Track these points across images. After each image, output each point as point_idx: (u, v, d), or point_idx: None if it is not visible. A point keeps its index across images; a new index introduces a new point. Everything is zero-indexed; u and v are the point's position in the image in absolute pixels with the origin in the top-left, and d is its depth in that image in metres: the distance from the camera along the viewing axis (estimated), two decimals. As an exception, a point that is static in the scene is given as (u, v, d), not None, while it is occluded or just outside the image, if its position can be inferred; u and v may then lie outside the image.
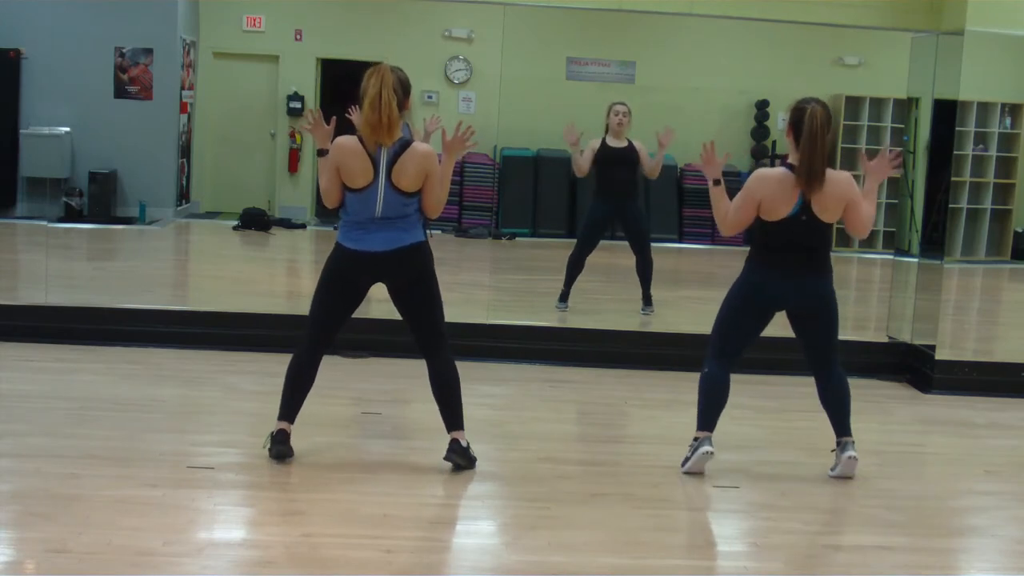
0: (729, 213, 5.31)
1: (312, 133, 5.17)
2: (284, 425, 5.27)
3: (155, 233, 13.62)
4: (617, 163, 8.92)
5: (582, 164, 8.98)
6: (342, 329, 5.32)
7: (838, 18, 13.24)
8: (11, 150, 13.70)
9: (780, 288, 5.29)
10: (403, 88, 5.05)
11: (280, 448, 5.23)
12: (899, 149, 5.18)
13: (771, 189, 5.23)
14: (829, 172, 5.21)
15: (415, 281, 5.17)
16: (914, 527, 5.05)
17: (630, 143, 8.97)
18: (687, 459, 5.47)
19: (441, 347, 5.25)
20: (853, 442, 5.47)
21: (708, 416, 5.44)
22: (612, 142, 8.97)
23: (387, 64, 5.06)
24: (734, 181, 14.59)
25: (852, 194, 5.28)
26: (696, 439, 5.45)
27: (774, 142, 15.01)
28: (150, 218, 13.91)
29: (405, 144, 5.07)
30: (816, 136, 5.12)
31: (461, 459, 5.27)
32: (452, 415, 5.30)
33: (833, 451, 5.53)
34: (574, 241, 9.37)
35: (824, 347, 5.44)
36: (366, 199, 5.06)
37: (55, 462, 5.14)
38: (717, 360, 5.44)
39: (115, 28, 14.13)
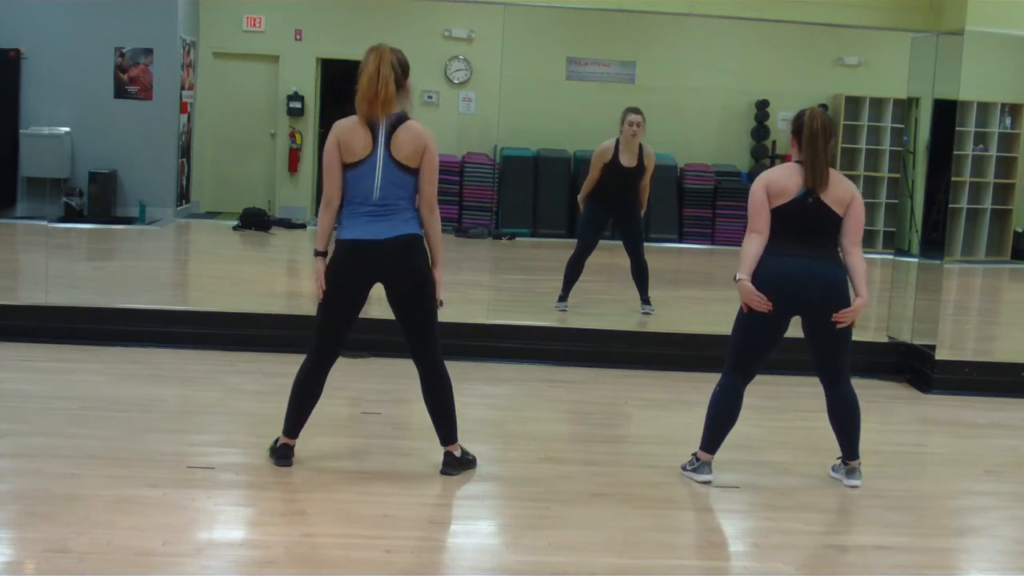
0: (750, 223, 5.22)
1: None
2: (288, 440, 5.28)
3: (155, 233, 13.62)
4: (625, 178, 8.93)
5: (592, 178, 8.98)
6: (348, 337, 5.27)
7: (838, 18, 13.27)
8: (11, 150, 13.70)
9: (793, 279, 5.14)
10: (401, 67, 5.06)
11: (282, 461, 5.27)
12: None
13: (776, 175, 5.26)
14: (834, 174, 5.23)
15: (415, 275, 5.13)
16: (914, 527, 5.05)
17: (641, 158, 8.92)
18: (686, 469, 5.49)
19: (433, 350, 5.22)
20: (860, 465, 5.47)
21: (714, 436, 5.40)
22: (624, 158, 8.90)
23: (387, 45, 5.07)
24: (734, 181, 14.75)
25: (855, 203, 5.27)
26: (698, 459, 5.44)
27: (774, 142, 14.99)
28: (150, 218, 13.91)
29: (402, 118, 5.06)
30: (816, 135, 5.17)
31: (456, 470, 5.29)
32: (445, 429, 5.29)
33: (839, 459, 5.52)
34: (574, 241, 9.36)
35: (835, 354, 5.32)
36: (365, 175, 5.02)
37: (55, 462, 5.14)
38: (731, 375, 5.36)
39: (115, 28, 14.12)
